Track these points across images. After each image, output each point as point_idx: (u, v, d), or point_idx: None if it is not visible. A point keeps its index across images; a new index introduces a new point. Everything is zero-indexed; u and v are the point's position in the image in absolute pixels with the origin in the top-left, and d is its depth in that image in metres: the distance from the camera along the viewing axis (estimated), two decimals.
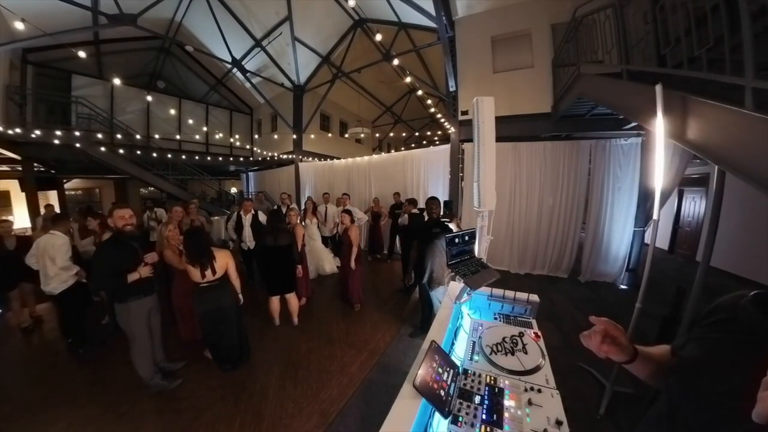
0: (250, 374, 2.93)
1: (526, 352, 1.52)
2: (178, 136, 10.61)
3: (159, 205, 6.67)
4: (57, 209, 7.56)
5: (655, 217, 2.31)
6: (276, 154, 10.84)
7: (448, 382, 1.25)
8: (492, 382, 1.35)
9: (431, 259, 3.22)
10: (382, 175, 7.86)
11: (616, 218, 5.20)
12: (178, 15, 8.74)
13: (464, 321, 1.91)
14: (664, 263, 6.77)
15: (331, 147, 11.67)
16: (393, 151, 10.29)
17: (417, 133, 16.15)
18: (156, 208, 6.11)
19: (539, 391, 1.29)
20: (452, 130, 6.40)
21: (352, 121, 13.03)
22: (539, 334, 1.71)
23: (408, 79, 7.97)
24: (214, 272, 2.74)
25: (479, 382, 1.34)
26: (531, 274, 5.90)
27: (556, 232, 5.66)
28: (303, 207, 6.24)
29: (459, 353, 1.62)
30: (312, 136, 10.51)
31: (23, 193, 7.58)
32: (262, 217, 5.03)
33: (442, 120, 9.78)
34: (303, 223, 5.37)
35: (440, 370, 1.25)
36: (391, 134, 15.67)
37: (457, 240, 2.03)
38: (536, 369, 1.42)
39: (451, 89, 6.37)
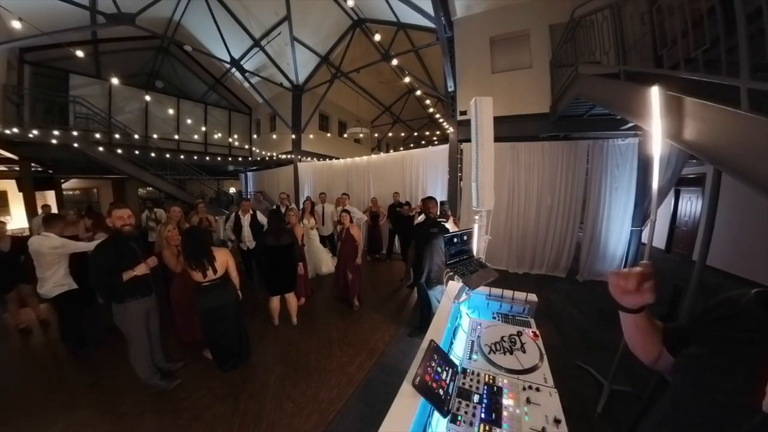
0: (250, 374, 2.93)
1: (524, 351, 1.54)
2: (176, 136, 10.58)
3: (158, 205, 6.65)
4: (55, 209, 7.55)
5: (652, 216, 2.33)
6: (275, 154, 10.83)
7: (447, 382, 1.26)
8: (491, 381, 1.36)
9: (429, 258, 3.23)
10: (380, 175, 7.87)
11: (613, 218, 5.22)
12: (177, 14, 8.72)
13: (463, 320, 1.92)
14: (661, 262, 6.80)
15: (329, 147, 11.66)
16: (392, 151, 10.31)
17: (416, 133, 16.16)
18: (156, 209, 6.09)
19: (537, 389, 1.30)
20: (451, 130, 6.41)
21: (351, 121, 13.03)
22: (537, 333, 1.72)
23: (407, 80, 7.98)
24: (215, 272, 2.74)
25: (478, 381, 1.35)
26: (529, 274, 5.92)
27: (554, 231, 5.69)
28: (302, 207, 6.24)
29: (458, 352, 1.63)
30: (311, 136, 10.50)
31: (21, 194, 7.53)
32: (261, 217, 5.02)
33: (441, 120, 9.81)
34: (302, 223, 5.37)
35: (439, 370, 1.26)
36: (390, 134, 15.69)
37: (455, 240, 2.05)
38: (534, 368, 1.43)
39: (449, 89, 6.38)
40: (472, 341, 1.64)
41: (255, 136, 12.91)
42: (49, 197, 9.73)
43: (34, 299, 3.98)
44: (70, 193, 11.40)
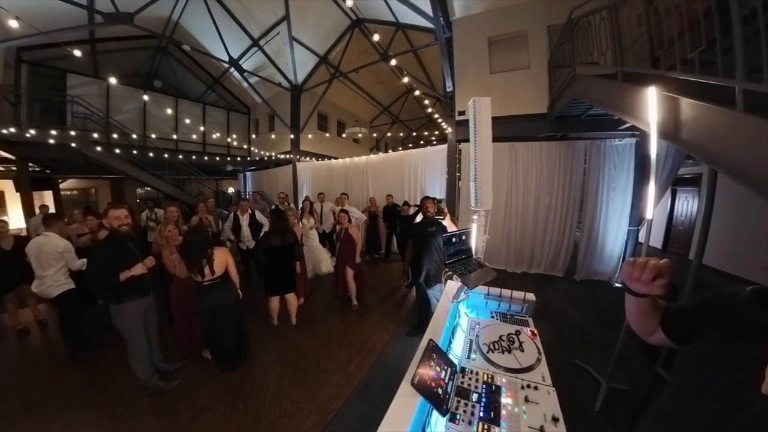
0: (249, 374, 2.93)
1: (522, 350, 1.54)
2: (174, 136, 10.55)
3: (159, 205, 6.63)
4: (52, 210, 7.52)
5: (649, 216, 2.34)
6: (273, 154, 10.82)
7: (446, 381, 1.27)
8: (489, 380, 1.37)
9: (428, 257, 3.24)
10: (379, 174, 7.88)
11: (611, 217, 5.25)
12: (175, 14, 8.69)
13: (461, 320, 1.93)
14: None
15: (328, 147, 11.66)
16: (390, 151, 10.32)
17: (414, 133, 16.19)
18: (156, 209, 6.06)
19: (536, 388, 1.31)
20: (449, 130, 6.42)
21: (350, 121, 13.03)
22: (535, 332, 1.73)
23: (405, 80, 7.98)
24: (212, 272, 2.74)
25: (476, 380, 1.36)
26: (527, 273, 5.94)
27: (552, 231, 5.71)
28: (301, 207, 6.24)
29: (456, 352, 1.64)
30: (309, 135, 10.50)
31: (18, 194, 7.49)
32: (260, 217, 5.02)
33: (440, 120, 9.81)
34: (300, 223, 5.37)
35: (438, 369, 1.26)
36: (389, 134, 15.70)
37: (454, 239, 2.05)
38: (533, 367, 1.44)
39: (448, 89, 6.39)
40: (471, 340, 1.65)
41: (253, 136, 12.90)
42: (47, 197, 9.70)
43: (33, 299, 3.97)
44: (68, 193, 11.36)
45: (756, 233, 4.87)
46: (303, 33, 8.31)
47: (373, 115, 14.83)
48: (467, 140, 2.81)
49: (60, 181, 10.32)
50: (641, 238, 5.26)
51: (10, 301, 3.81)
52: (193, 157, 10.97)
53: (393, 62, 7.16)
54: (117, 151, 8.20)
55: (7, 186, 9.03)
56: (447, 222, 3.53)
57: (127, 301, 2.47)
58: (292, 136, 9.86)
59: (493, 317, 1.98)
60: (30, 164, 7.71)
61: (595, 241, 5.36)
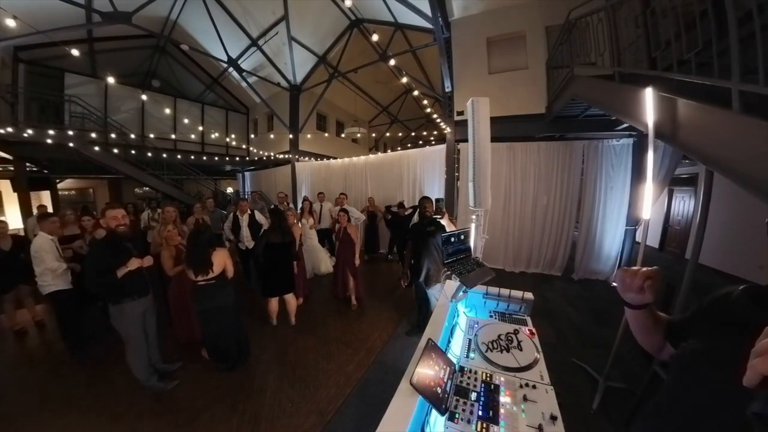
0: (248, 374, 2.93)
1: (521, 349, 1.55)
2: (173, 136, 10.51)
3: (159, 205, 6.59)
4: (50, 210, 7.48)
5: (646, 216, 2.36)
6: (272, 154, 10.80)
7: (445, 380, 1.27)
8: (488, 378, 1.37)
9: (427, 257, 3.25)
10: (378, 174, 7.88)
11: (608, 217, 5.28)
12: (174, 13, 8.66)
13: (460, 319, 1.94)
14: (655, 261, 6.86)
15: (327, 147, 11.65)
16: (389, 150, 10.32)
17: (413, 133, 16.21)
18: (158, 209, 6.03)
19: (534, 387, 1.32)
20: (448, 130, 6.43)
21: (349, 120, 13.03)
22: (534, 331, 1.74)
23: (404, 80, 7.98)
24: (210, 272, 2.74)
25: (475, 379, 1.37)
26: (525, 273, 5.96)
27: (550, 231, 5.73)
28: (300, 207, 6.23)
29: (455, 351, 1.64)
30: (308, 135, 10.49)
31: (15, 194, 7.45)
32: (259, 217, 5.01)
33: (438, 120, 9.82)
34: (300, 223, 5.37)
35: (437, 368, 1.27)
36: (388, 134, 15.71)
37: (453, 239, 2.06)
38: (531, 365, 1.45)
39: (446, 90, 6.40)
40: (470, 339, 1.66)
41: (252, 136, 12.87)
42: (45, 197, 9.64)
43: (31, 300, 3.96)
44: (66, 193, 11.30)
45: (751, 232, 4.91)
46: (302, 33, 8.30)
47: (371, 115, 14.83)
48: (466, 140, 2.82)
49: (58, 181, 10.27)
50: (638, 237, 5.29)
51: (8, 302, 3.80)
52: (192, 157, 10.93)
53: (392, 62, 7.17)
54: (115, 150, 8.17)
55: (5, 186, 8.98)
56: (445, 222, 3.54)
57: (125, 301, 2.47)
58: (290, 136, 9.85)
59: (491, 316, 1.99)
60: (27, 164, 7.66)
61: (593, 241, 5.39)
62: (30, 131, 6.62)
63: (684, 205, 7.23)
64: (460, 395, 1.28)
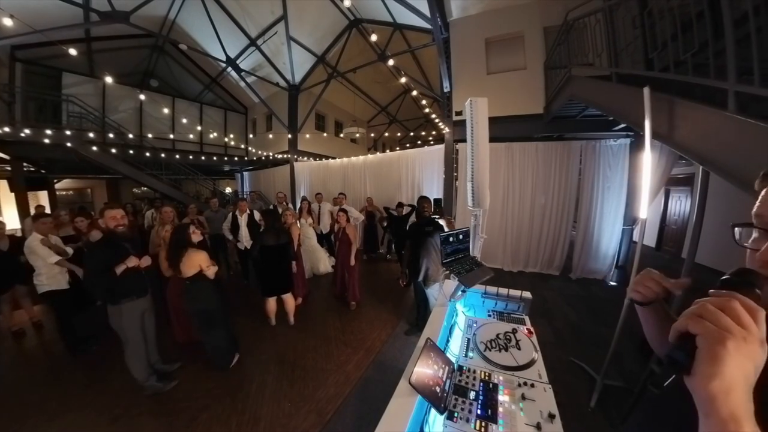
0: (247, 374, 2.93)
1: (519, 348, 1.56)
2: (171, 136, 10.47)
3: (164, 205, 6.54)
4: (48, 210, 7.44)
5: (642, 215, 2.38)
6: (271, 154, 10.78)
7: (444, 379, 1.28)
8: (486, 377, 1.38)
9: (426, 257, 3.26)
10: (377, 174, 7.89)
11: (605, 217, 5.30)
12: (172, 13, 8.62)
13: (459, 318, 1.95)
14: (652, 260, 6.90)
15: (326, 147, 11.65)
16: (388, 150, 10.32)
17: (412, 133, 16.23)
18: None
19: (532, 385, 1.32)
20: (446, 130, 6.44)
21: (348, 120, 13.02)
22: (532, 330, 1.75)
23: (403, 80, 7.99)
24: (179, 273, 2.76)
25: (474, 378, 1.37)
26: (524, 272, 5.98)
27: (548, 230, 5.75)
28: (299, 207, 6.23)
29: (454, 350, 1.65)
30: (307, 135, 10.48)
31: (12, 194, 7.41)
32: (258, 217, 5.01)
33: (437, 120, 9.84)
34: (299, 223, 5.37)
35: (436, 367, 1.27)
36: (386, 134, 15.68)
37: (451, 239, 2.07)
38: (529, 364, 1.46)
39: (445, 90, 6.41)
40: (468, 339, 1.67)
41: (251, 136, 12.84)
42: (42, 197, 9.57)
43: (28, 301, 3.94)
44: (63, 193, 11.22)
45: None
46: (300, 33, 8.29)
47: (370, 115, 14.83)
48: (464, 140, 2.82)
49: (55, 181, 10.20)
50: (635, 237, 5.32)
51: (5, 302, 3.78)
52: (190, 157, 10.88)
53: (390, 62, 7.17)
54: (113, 150, 8.14)
55: (2, 186, 8.91)
56: (443, 221, 3.55)
57: (124, 301, 2.46)
58: (289, 135, 9.84)
59: (490, 316, 2.00)
60: (25, 164, 7.62)
61: (591, 240, 5.41)
62: (27, 131, 6.59)
63: (680, 204, 7.27)
64: (458, 394, 1.29)
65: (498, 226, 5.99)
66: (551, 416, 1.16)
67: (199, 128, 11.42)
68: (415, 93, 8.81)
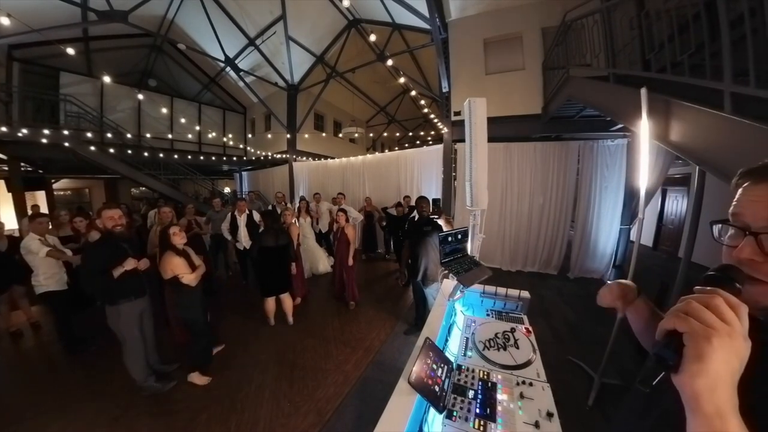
0: (246, 375, 2.93)
1: (517, 347, 1.57)
2: (170, 135, 10.43)
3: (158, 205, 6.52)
4: (45, 210, 7.41)
5: (640, 215, 2.39)
6: (270, 154, 10.76)
7: (443, 378, 1.28)
8: (485, 376, 1.39)
9: (425, 256, 3.26)
10: (375, 174, 7.89)
11: (603, 216, 5.33)
12: (170, 12, 8.60)
13: (458, 318, 1.95)
14: (649, 259, 6.94)
15: (325, 146, 11.63)
16: (387, 150, 10.32)
17: (410, 133, 16.24)
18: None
19: (531, 384, 1.33)
20: (445, 130, 6.45)
21: (346, 120, 13.01)
22: (530, 329, 1.75)
23: (402, 80, 8.00)
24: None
25: (473, 377, 1.38)
26: (522, 271, 6.00)
27: (546, 230, 5.77)
28: (297, 206, 6.23)
29: (453, 349, 1.66)
30: (306, 135, 10.47)
31: (10, 194, 7.37)
32: (257, 217, 5.01)
33: (435, 120, 9.84)
34: (297, 223, 5.37)
35: (435, 367, 1.27)
36: (385, 134, 15.69)
37: (450, 238, 2.08)
38: (528, 363, 1.47)
39: (444, 90, 6.42)
40: (467, 338, 1.67)
41: (250, 136, 12.82)
42: (40, 198, 9.53)
43: (25, 301, 3.93)
44: (61, 193, 11.18)
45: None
46: (299, 32, 8.28)
47: (369, 115, 14.82)
48: (463, 140, 2.83)
49: (53, 181, 10.16)
50: (633, 236, 5.35)
51: (3, 303, 3.76)
52: (189, 157, 10.86)
53: (389, 62, 7.17)
54: (111, 150, 8.11)
55: None
56: (442, 221, 3.56)
57: (122, 302, 2.46)
58: (288, 135, 9.83)
59: (488, 315, 2.01)
60: (22, 164, 7.60)
61: (588, 240, 5.43)
62: (25, 131, 6.55)
63: (677, 204, 7.31)
64: (457, 393, 1.29)
65: (496, 225, 6.01)
66: (549, 415, 1.17)
67: (197, 128, 11.39)
68: (413, 93, 8.81)
